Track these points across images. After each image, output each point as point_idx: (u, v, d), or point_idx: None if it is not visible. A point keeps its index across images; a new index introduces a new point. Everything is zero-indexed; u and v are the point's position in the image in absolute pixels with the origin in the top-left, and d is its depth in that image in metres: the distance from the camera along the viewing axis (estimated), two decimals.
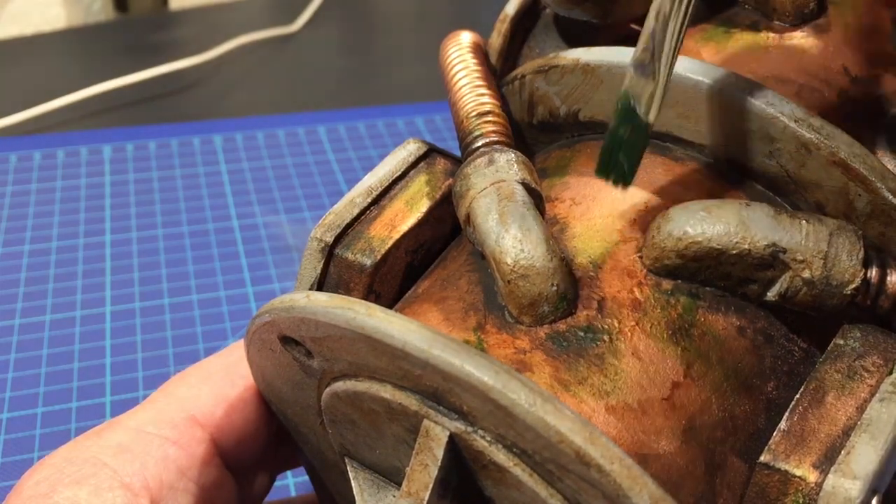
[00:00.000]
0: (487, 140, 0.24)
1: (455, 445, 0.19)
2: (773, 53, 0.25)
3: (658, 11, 0.20)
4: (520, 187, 0.22)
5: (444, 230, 0.25)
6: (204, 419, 0.25)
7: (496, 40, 0.29)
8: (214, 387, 0.26)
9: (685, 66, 0.23)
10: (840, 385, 0.20)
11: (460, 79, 0.26)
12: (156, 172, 0.59)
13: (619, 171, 0.21)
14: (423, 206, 0.25)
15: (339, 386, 0.21)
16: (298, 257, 0.52)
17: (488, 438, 0.18)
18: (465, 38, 0.28)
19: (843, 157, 0.22)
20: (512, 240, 0.21)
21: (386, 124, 0.65)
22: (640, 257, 0.22)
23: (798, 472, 0.19)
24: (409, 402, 0.19)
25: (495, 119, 0.25)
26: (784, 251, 0.21)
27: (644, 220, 0.22)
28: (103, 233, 0.54)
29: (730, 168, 0.23)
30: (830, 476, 0.18)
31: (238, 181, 0.59)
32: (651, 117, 0.20)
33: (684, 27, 0.20)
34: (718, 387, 0.21)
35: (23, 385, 0.43)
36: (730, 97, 0.22)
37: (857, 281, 0.21)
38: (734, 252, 0.21)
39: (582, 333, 0.20)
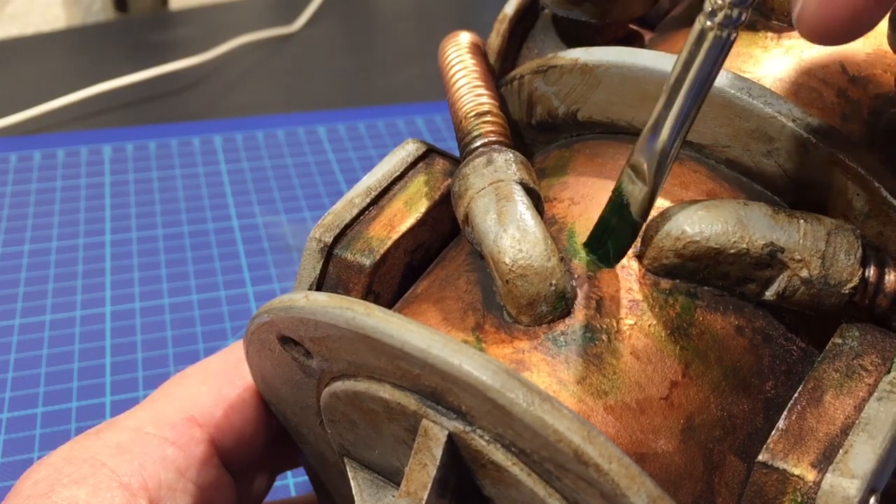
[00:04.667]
0: (486, 140, 0.24)
1: (454, 445, 0.19)
2: (771, 53, 0.25)
3: (656, 122, 0.20)
4: (518, 187, 0.22)
5: (443, 230, 0.25)
6: (203, 419, 0.25)
7: (495, 40, 0.29)
8: (214, 387, 0.26)
9: None
10: (838, 384, 0.20)
11: (459, 79, 0.26)
12: (156, 172, 0.59)
13: (604, 253, 0.22)
14: (422, 207, 0.25)
15: (339, 386, 0.21)
16: (298, 257, 0.52)
17: (487, 438, 0.18)
18: (464, 38, 0.28)
19: (842, 156, 0.22)
20: (510, 239, 0.21)
21: (386, 124, 0.65)
22: (639, 257, 0.22)
23: (796, 471, 0.19)
24: (408, 401, 0.19)
25: (494, 119, 0.25)
26: (782, 250, 0.21)
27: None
28: (103, 233, 0.54)
29: (728, 167, 0.23)
30: (828, 475, 0.18)
31: (238, 181, 0.59)
32: (640, 218, 0.21)
33: (678, 144, 0.20)
34: (717, 386, 0.21)
35: (23, 385, 0.43)
36: (728, 97, 0.22)
37: (855, 280, 0.21)
38: (732, 251, 0.21)
39: (580, 333, 0.20)
